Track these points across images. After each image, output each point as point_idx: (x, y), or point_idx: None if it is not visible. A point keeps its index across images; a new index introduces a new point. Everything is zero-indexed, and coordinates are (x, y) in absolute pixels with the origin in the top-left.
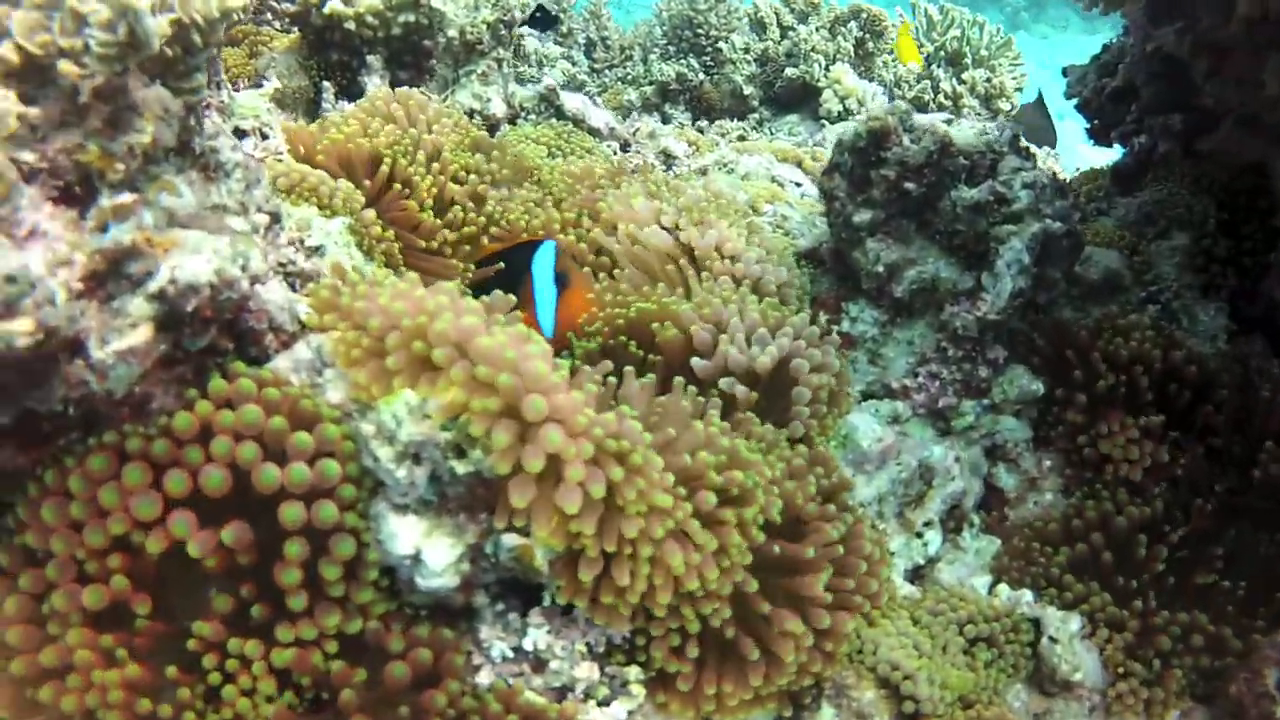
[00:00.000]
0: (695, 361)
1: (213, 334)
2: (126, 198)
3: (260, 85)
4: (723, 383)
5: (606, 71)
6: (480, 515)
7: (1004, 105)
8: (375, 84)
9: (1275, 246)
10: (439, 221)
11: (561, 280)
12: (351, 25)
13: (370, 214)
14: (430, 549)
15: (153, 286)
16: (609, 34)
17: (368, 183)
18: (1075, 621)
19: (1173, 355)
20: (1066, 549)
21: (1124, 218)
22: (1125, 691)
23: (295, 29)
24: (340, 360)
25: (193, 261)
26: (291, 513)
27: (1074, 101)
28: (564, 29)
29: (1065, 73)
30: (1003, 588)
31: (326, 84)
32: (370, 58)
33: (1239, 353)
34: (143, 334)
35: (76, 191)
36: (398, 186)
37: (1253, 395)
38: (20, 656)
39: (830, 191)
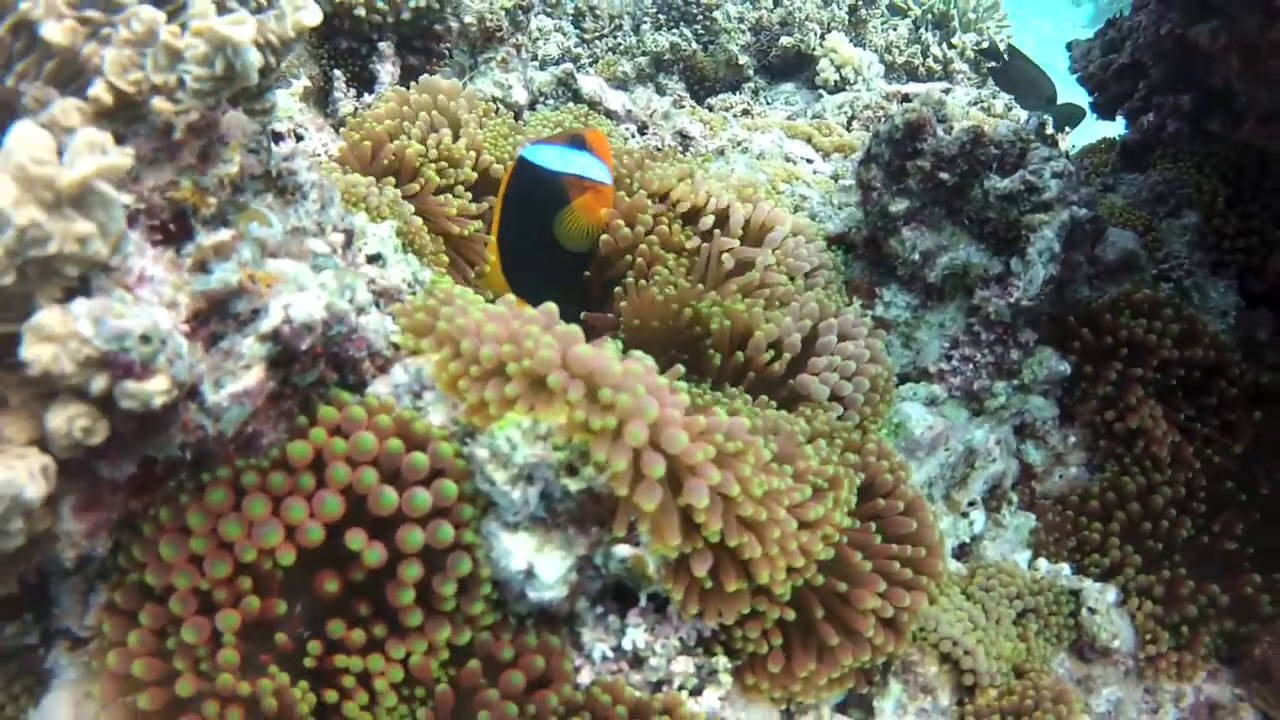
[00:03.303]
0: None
1: (321, 368)
2: (225, 235)
3: (282, 83)
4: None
5: (597, 42)
6: (590, 529)
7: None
8: (387, 71)
9: None
10: (473, 208)
11: (574, 142)
12: (361, 11)
13: (418, 220)
14: (542, 563)
15: (265, 327)
16: (597, 3)
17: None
18: (1112, 592)
19: (1190, 331)
20: (1099, 523)
21: (1135, 196)
22: (1156, 655)
23: None
24: (443, 385)
25: (304, 299)
26: (413, 537)
27: (1076, 75)
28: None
29: (1070, 47)
30: (1042, 562)
31: (337, 72)
32: (381, 44)
33: (1249, 328)
34: (256, 375)
35: (171, 229)
36: (435, 179)
37: (1263, 369)
38: (149, 690)
39: (868, 183)
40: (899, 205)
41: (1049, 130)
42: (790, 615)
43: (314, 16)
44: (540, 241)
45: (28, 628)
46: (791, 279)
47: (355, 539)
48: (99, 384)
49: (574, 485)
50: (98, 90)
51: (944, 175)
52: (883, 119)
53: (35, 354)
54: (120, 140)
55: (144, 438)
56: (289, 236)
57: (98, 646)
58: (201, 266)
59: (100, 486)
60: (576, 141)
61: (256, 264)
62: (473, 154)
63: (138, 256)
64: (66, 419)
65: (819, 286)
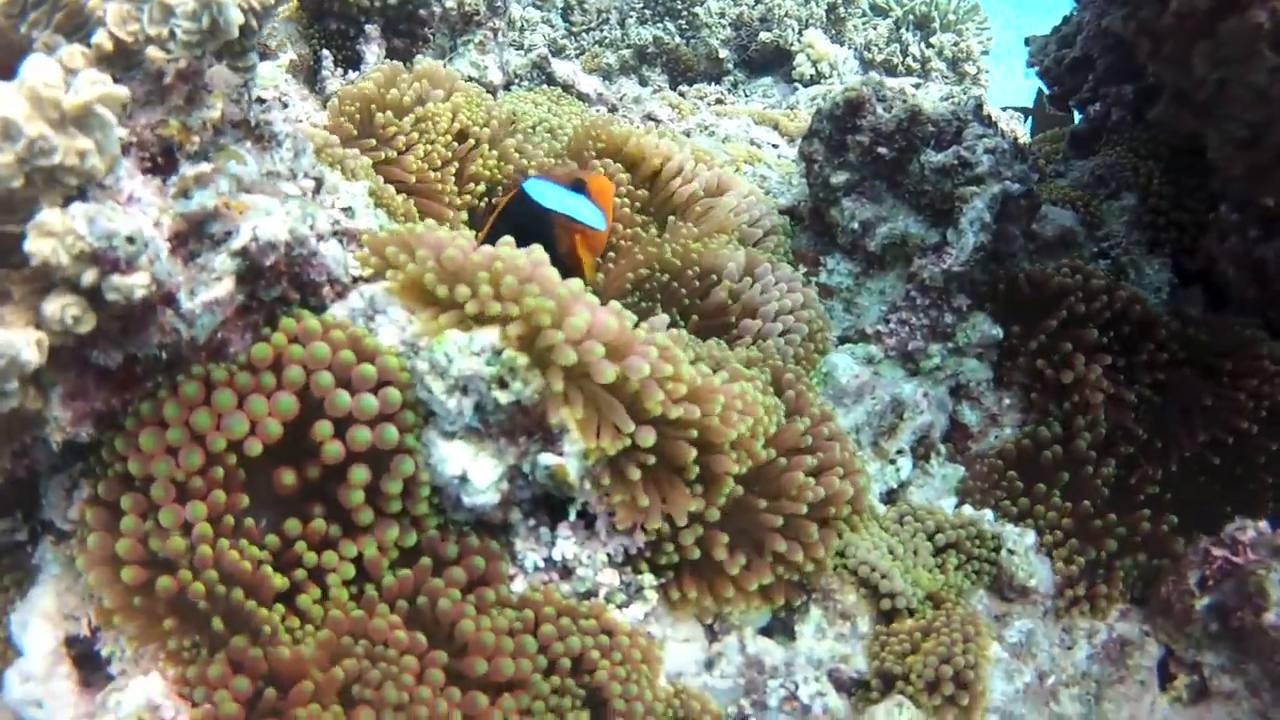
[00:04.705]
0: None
1: (284, 285)
2: (205, 167)
3: (270, 58)
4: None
5: (584, 35)
6: (519, 439)
7: (970, 69)
8: (373, 52)
9: (1214, 207)
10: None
11: (575, 185)
12: None
13: (391, 187)
14: (476, 469)
15: (235, 244)
16: None
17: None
18: (1031, 536)
19: (1118, 294)
20: (1021, 471)
21: (1078, 179)
22: (1071, 595)
23: None
24: (399, 289)
25: (269, 221)
26: (361, 435)
27: (1035, 70)
28: None
29: (1027, 42)
30: (967, 508)
31: (326, 52)
32: (368, 26)
33: (1181, 303)
34: (226, 286)
35: (159, 162)
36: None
37: (1191, 338)
38: (130, 566)
39: (810, 155)
40: (839, 177)
41: (985, 110)
42: (714, 516)
43: None
44: None
45: (17, 525)
46: (743, 242)
47: (323, 427)
48: (89, 277)
49: (504, 397)
50: (100, 38)
51: (882, 150)
52: (826, 97)
53: (37, 247)
54: (118, 83)
55: (126, 335)
56: (263, 178)
57: (80, 534)
58: (184, 194)
59: (86, 378)
60: (578, 184)
61: (233, 195)
62: (450, 111)
63: (129, 180)
64: (60, 306)
65: (769, 249)
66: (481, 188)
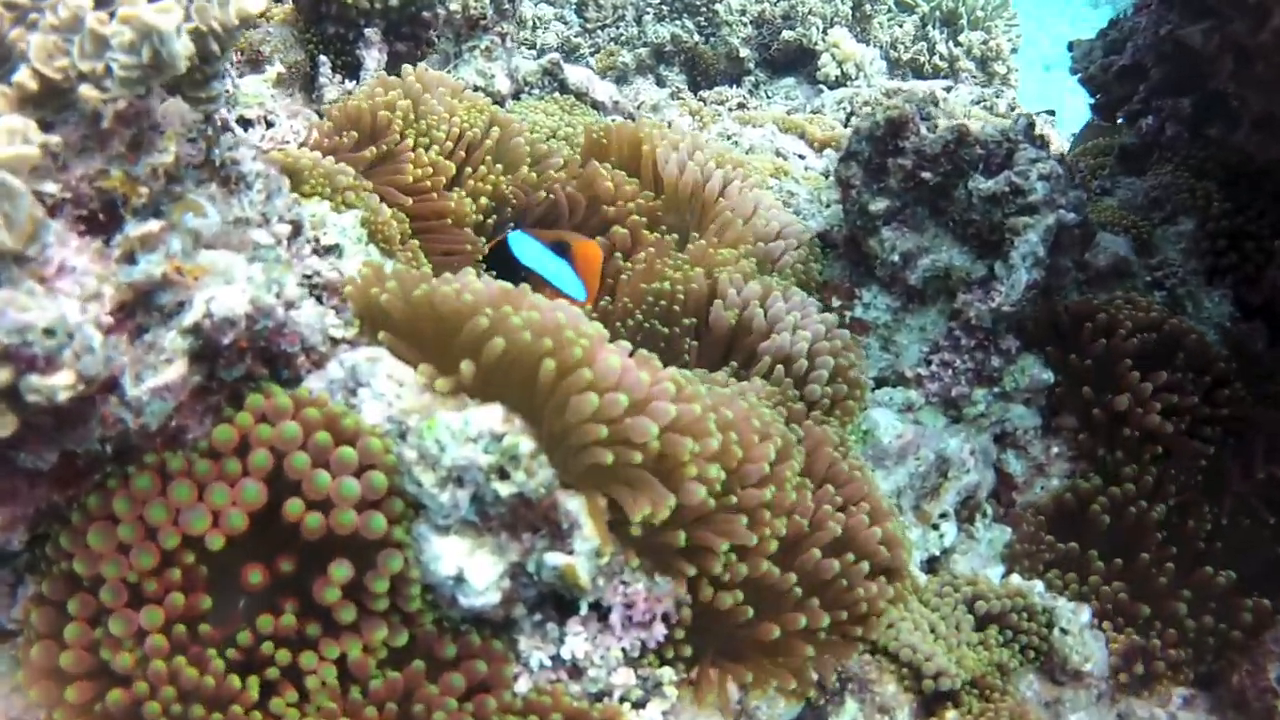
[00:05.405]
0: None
1: (248, 362)
2: (153, 225)
3: (260, 69)
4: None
5: (599, 32)
6: (522, 535)
7: (1000, 69)
8: (373, 57)
9: None
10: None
11: (558, 247)
12: None
13: (387, 210)
14: (473, 568)
15: (187, 320)
16: None
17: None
18: (1086, 613)
19: (1171, 324)
20: (1072, 534)
21: (1130, 200)
22: (1127, 677)
23: (290, 0)
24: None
25: (227, 293)
26: (345, 517)
27: (1077, 76)
28: None
29: (1071, 46)
30: (1015, 577)
31: (323, 58)
32: (368, 30)
33: (1241, 338)
34: (178, 369)
35: (100, 219)
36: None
37: (1253, 376)
38: (77, 683)
39: (846, 180)
40: (879, 204)
41: (1038, 131)
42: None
43: (257, 4)
44: None
45: None
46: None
47: (293, 505)
48: (2, 376)
49: (504, 490)
50: (22, 76)
51: (926, 175)
52: (865, 115)
53: None
54: (48, 128)
55: (61, 431)
56: (230, 227)
57: (25, 639)
58: (129, 258)
59: (15, 479)
60: (561, 247)
61: (187, 255)
62: (453, 121)
63: (59, 247)
64: None
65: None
66: (484, 201)
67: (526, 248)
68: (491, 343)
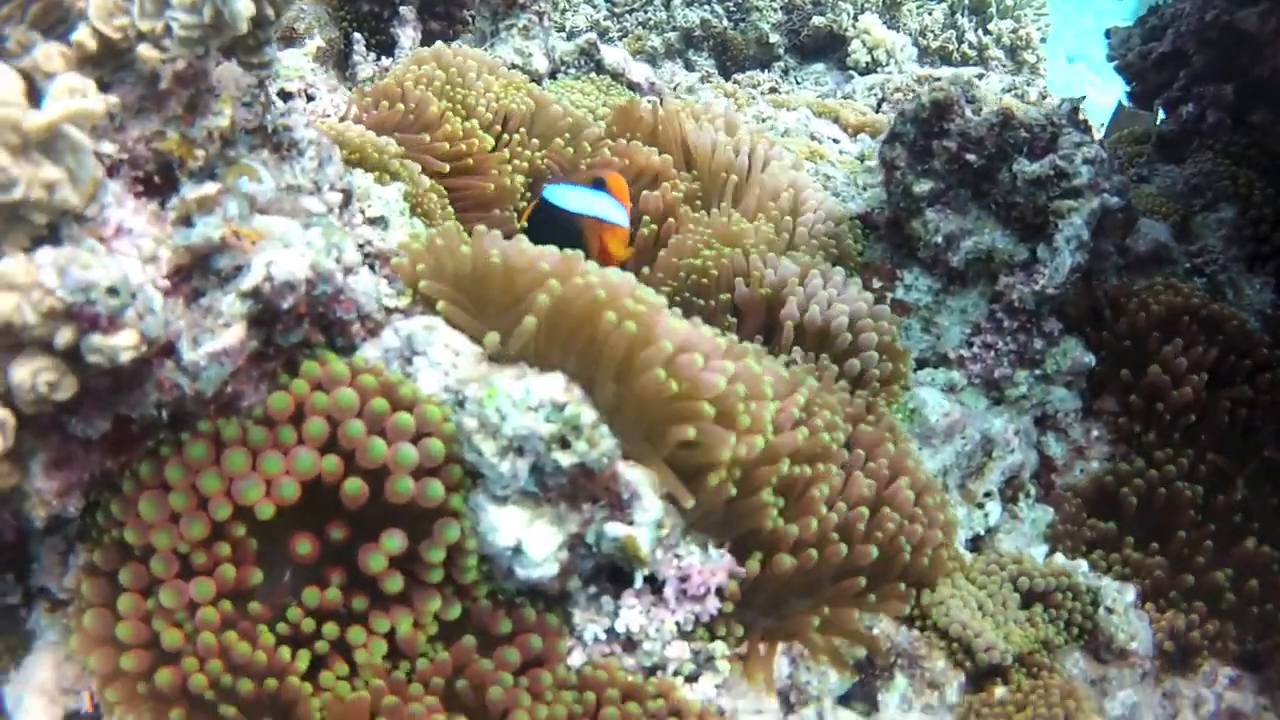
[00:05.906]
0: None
1: (306, 328)
2: (210, 188)
3: (294, 46)
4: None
5: (627, 16)
6: (582, 505)
7: (1029, 58)
8: (408, 35)
9: None
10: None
11: (595, 182)
12: None
13: (427, 181)
14: (532, 539)
15: (246, 284)
16: None
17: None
18: (1130, 592)
19: (1212, 309)
20: (1109, 506)
21: (1169, 187)
22: (1174, 657)
23: None
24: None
25: (287, 257)
26: (403, 484)
27: (1114, 64)
28: None
29: (1109, 34)
30: (1058, 556)
31: (357, 35)
32: (402, 8)
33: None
34: (235, 333)
35: (155, 181)
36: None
37: None
38: (132, 651)
39: (891, 161)
40: (923, 186)
41: (1082, 115)
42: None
43: None
44: None
45: (9, 588)
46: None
47: (352, 484)
48: (65, 337)
49: (565, 460)
50: (82, 35)
51: (971, 157)
52: (910, 98)
53: None
54: (105, 88)
55: (117, 395)
56: (282, 194)
57: (76, 608)
58: (185, 220)
59: (71, 444)
60: (597, 183)
61: (243, 219)
62: (489, 95)
63: (116, 207)
64: (31, 372)
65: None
66: (520, 179)
67: (568, 196)
68: (560, 301)
